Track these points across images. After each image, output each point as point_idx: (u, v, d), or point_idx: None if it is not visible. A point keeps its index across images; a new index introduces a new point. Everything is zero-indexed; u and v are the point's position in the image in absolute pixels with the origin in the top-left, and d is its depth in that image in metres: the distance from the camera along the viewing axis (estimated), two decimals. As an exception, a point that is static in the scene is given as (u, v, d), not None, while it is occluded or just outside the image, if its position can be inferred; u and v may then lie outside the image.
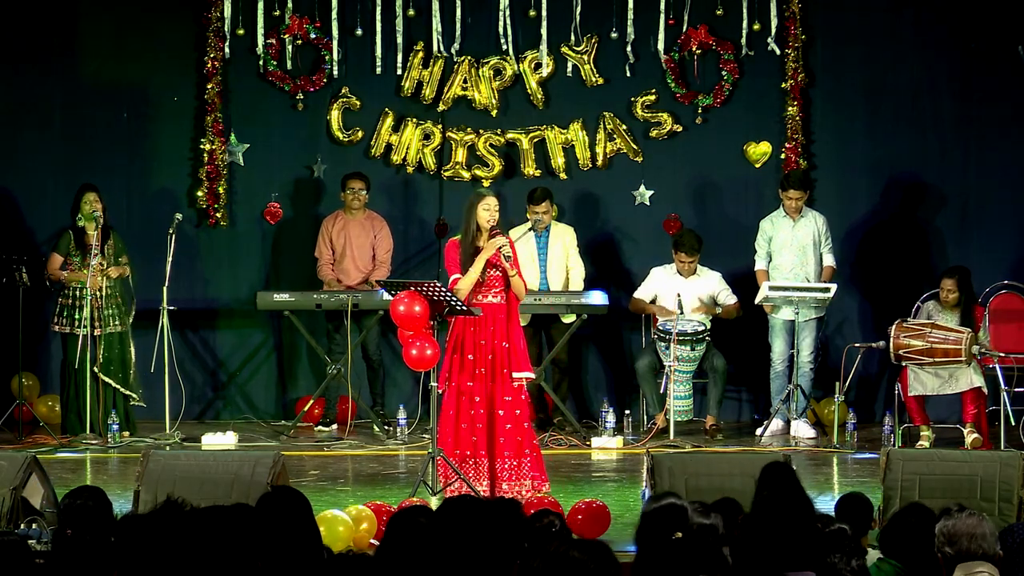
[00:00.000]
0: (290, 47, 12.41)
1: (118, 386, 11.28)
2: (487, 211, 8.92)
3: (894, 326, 10.73)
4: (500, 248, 8.86)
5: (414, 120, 12.44)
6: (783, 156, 12.27)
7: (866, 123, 12.37)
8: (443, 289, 8.75)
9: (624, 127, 12.40)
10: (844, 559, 5.16)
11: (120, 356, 11.36)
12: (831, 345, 12.11)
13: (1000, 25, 12.19)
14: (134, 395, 11.37)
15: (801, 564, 5.04)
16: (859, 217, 12.40)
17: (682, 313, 11.41)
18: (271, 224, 12.47)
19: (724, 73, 12.32)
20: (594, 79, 12.41)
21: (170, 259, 11.44)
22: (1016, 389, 10.94)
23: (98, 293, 11.25)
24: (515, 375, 8.94)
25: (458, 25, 12.37)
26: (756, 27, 12.26)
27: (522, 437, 8.96)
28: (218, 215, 12.41)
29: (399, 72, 12.42)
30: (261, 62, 12.41)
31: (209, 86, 12.36)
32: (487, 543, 4.95)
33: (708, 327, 11.58)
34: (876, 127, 12.36)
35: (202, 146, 12.39)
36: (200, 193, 12.38)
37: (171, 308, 11.43)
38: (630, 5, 12.28)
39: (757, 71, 12.34)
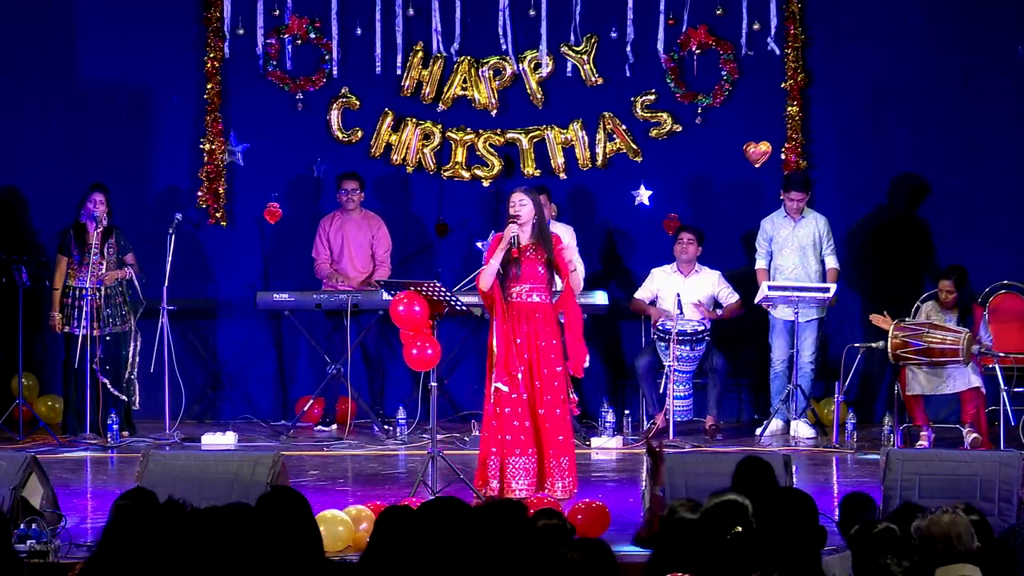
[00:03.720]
0: (290, 47, 12.42)
1: (111, 388, 11.25)
2: (511, 207, 9.04)
3: (892, 326, 10.73)
4: (512, 237, 8.92)
5: (414, 120, 12.44)
6: (783, 156, 12.27)
7: (866, 123, 12.37)
8: (443, 289, 8.77)
9: (624, 127, 12.40)
10: (895, 559, 5.09)
11: (115, 356, 11.35)
12: (831, 345, 12.11)
13: (1000, 25, 12.19)
14: (123, 396, 11.32)
15: (801, 563, 5.04)
16: (859, 217, 12.40)
17: (681, 314, 11.41)
18: (271, 224, 12.48)
19: (724, 73, 12.32)
20: (594, 79, 12.41)
21: (170, 259, 11.43)
22: (1016, 389, 10.95)
23: (97, 293, 11.25)
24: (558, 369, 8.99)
25: (458, 25, 12.37)
26: (756, 27, 12.26)
27: (564, 436, 8.99)
28: (218, 215, 12.41)
29: (399, 72, 12.42)
30: (261, 62, 12.41)
31: (209, 86, 12.36)
32: (484, 545, 4.96)
33: (708, 327, 11.58)
34: (876, 127, 12.36)
35: (202, 146, 12.39)
36: (200, 193, 12.38)
37: (171, 308, 11.44)
38: (630, 5, 12.28)
39: (757, 71, 12.33)
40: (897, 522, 5.50)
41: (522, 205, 9.00)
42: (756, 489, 5.54)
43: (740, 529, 5.04)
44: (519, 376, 8.87)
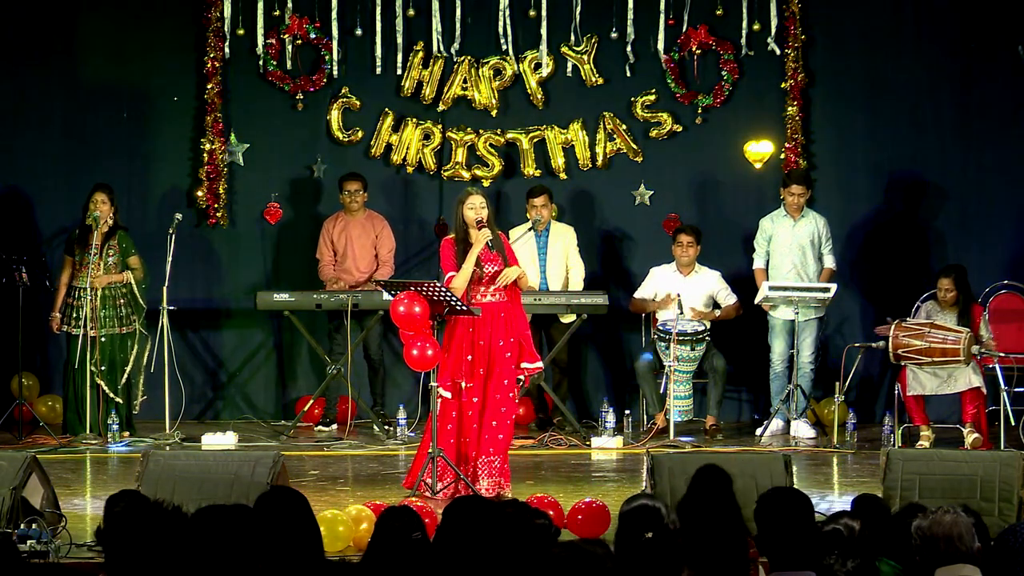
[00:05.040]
0: (290, 47, 12.42)
1: (106, 389, 11.23)
2: (471, 210, 9.00)
3: (893, 326, 10.73)
4: (488, 241, 8.91)
5: (414, 120, 12.45)
6: (783, 156, 12.27)
7: (866, 123, 12.37)
8: (443, 289, 8.76)
9: (624, 127, 12.40)
10: (840, 560, 5.12)
11: (111, 359, 11.32)
12: (831, 345, 12.11)
13: (1000, 25, 12.19)
14: (119, 400, 11.28)
15: (800, 563, 5.04)
16: (859, 217, 12.40)
17: (682, 313, 11.41)
18: (271, 224, 12.48)
19: (724, 73, 12.32)
20: (594, 79, 12.41)
21: (170, 259, 11.44)
22: (1016, 389, 10.94)
23: (94, 294, 11.23)
24: (523, 365, 8.96)
25: (458, 25, 12.38)
26: (756, 27, 12.27)
27: (504, 435, 8.98)
28: (218, 215, 12.41)
29: (399, 72, 12.43)
30: (261, 62, 12.41)
31: (209, 86, 12.37)
32: (491, 545, 4.96)
33: (708, 327, 11.58)
34: (876, 127, 12.36)
35: (202, 146, 12.39)
36: (200, 193, 12.39)
37: (171, 308, 11.43)
38: (630, 5, 12.29)
39: (757, 71, 12.34)
40: (902, 523, 5.51)
41: (483, 208, 9.02)
42: (715, 498, 5.54)
43: (651, 534, 5.04)
44: (462, 384, 8.90)
